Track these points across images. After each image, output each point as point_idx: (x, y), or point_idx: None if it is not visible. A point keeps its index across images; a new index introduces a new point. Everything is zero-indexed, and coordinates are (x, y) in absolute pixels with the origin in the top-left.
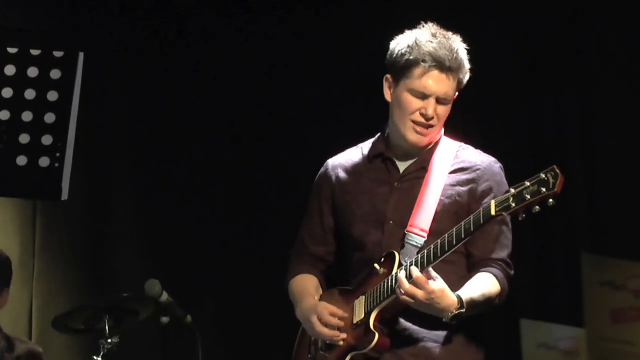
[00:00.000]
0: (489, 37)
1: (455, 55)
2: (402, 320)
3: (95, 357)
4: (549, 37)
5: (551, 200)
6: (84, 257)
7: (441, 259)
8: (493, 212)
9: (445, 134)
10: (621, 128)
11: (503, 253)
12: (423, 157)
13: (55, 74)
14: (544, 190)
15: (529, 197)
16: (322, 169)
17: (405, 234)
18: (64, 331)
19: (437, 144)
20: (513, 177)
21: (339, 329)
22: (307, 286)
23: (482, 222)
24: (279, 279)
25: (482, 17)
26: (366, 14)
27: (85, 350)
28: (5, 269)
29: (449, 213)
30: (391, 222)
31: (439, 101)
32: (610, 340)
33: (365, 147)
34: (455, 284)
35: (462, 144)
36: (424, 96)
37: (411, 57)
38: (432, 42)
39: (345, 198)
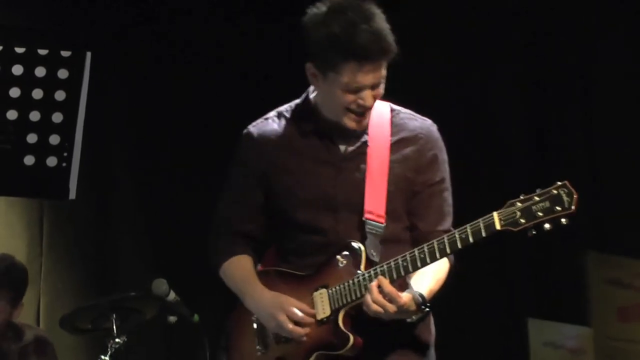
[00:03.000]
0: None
1: (384, 39)
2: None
3: (102, 356)
4: (553, 36)
5: (564, 220)
6: (91, 256)
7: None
8: (498, 227)
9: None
10: (625, 126)
11: (447, 222)
12: (360, 130)
13: (63, 74)
14: (558, 208)
15: (541, 214)
16: (245, 140)
17: (363, 222)
18: (71, 330)
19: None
20: (517, 175)
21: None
22: (248, 271)
23: (483, 235)
24: None
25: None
26: None
27: (92, 349)
28: (22, 281)
29: (400, 191)
30: (344, 207)
31: (375, 86)
32: (617, 339)
33: (287, 114)
34: None
35: (392, 106)
36: (358, 90)
37: (337, 53)
38: (355, 31)
39: (284, 178)
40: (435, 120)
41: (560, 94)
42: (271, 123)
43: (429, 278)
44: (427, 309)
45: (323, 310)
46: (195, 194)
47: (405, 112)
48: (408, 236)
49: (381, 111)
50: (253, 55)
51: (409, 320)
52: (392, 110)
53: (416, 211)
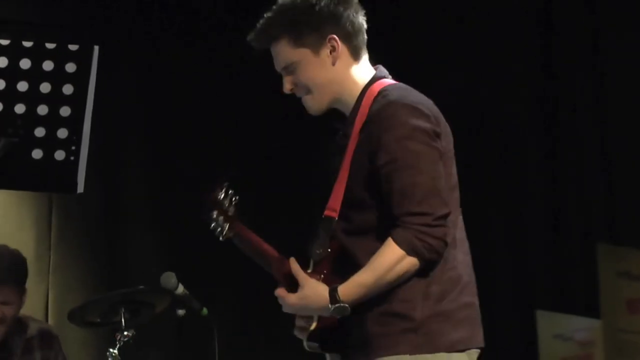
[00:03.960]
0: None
1: (261, 25)
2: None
3: (111, 350)
4: (566, 22)
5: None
6: (100, 249)
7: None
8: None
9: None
10: (638, 118)
11: (405, 206)
12: (349, 120)
13: (71, 67)
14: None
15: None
16: None
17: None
18: (80, 324)
19: (360, 100)
20: (527, 170)
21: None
22: None
23: None
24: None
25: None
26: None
27: (101, 343)
28: (25, 270)
29: (359, 180)
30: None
31: (287, 72)
32: (627, 331)
33: None
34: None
35: (385, 88)
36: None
37: None
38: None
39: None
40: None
41: (571, 89)
42: None
43: (358, 272)
44: (340, 304)
45: None
46: (205, 186)
47: (384, 92)
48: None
49: (370, 95)
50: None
51: (333, 315)
52: (379, 93)
53: (382, 198)
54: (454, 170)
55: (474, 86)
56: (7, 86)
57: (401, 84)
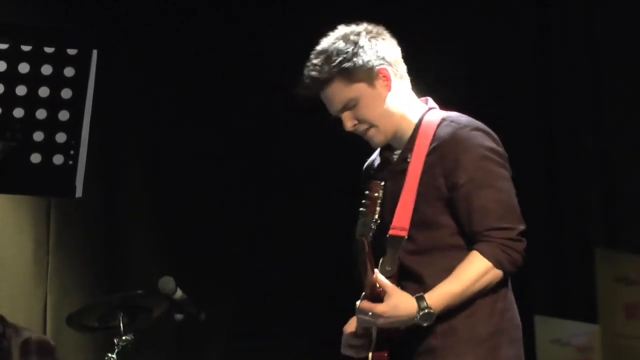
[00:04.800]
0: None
1: (314, 68)
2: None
3: (109, 355)
4: (564, 30)
5: None
6: (98, 254)
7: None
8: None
9: (444, 105)
10: (636, 122)
11: (487, 222)
12: (407, 146)
13: (69, 72)
14: None
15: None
16: None
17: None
18: (78, 328)
19: (418, 126)
20: (525, 175)
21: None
22: None
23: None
24: (293, 276)
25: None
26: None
27: (99, 348)
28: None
29: (429, 200)
30: (382, 225)
31: (346, 109)
32: (625, 336)
33: None
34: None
35: (445, 115)
36: (337, 117)
37: None
38: (305, 67)
39: None
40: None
41: (569, 92)
42: None
43: (444, 281)
44: (428, 310)
45: None
46: (204, 191)
47: (449, 119)
48: (462, 241)
49: (429, 122)
50: (264, 52)
51: (419, 324)
52: (441, 120)
53: (457, 216)
54: None
55: (474, 91)
56: (5, 90)
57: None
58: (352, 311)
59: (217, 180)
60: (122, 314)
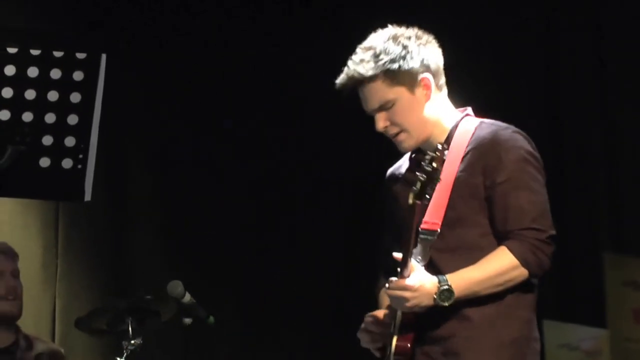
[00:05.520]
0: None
1: (360, 62)
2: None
3: (118, 358)
4: (571, 37)
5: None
6: (107, 258)
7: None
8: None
9: (479, 113)
10: None
11: (521, 221)
12: (441, 147)
13: (78, 76)
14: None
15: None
16: None
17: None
18: (87, 332)
19: (453, 131)
20: None
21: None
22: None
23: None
24: (302, 280)
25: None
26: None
27: (108, 351)
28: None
29: (464, 198)
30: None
31: (381, 110)
32: (633, 340)
33: None
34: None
35: (484, 121)
36: (372, 117)
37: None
38: (350, 59)
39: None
40: None
41: (576, 98)
42: None
43: (467, 268)
44: (446, 287)
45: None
46: (211, 195)
47: (488, 122)
48: (491, 242)
49: (467, 126)
50: (271, 53)
51: (437, 303)
52: (480, 123)
53: (492, 215)
54: None
55: (480, 97)
56: (15, 94)
57: None
58: (357, 312)
59: (225, 185)
60: (130, 318)
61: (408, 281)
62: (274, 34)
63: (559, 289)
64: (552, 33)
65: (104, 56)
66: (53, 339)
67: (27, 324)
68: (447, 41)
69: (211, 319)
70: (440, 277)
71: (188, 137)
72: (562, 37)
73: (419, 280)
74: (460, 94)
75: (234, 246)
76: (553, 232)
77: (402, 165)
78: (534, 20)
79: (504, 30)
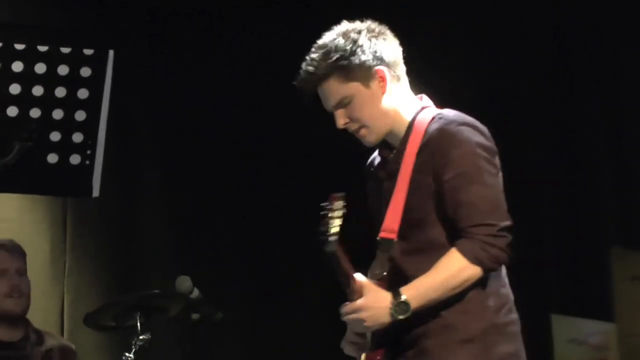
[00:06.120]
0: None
1: (311, 62)
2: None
3: (126, 354)
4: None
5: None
6: (115, 254)
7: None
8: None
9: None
10: None
11: (471, 218)
12: (400, 147)
13: (86, 72)
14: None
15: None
16: None
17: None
18: (95, 328)
19: (411, 125)
20: (542, 175)
21: None
22: None
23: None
24: (310, 277)
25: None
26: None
27: (116, 347)
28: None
29: (421, 199)
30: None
31: (340, 107)
32: None
33: None
34: None
35: (438, 112)
36: (331, 113)
37: None
38: (304, 60)
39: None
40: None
41: (586, 90)
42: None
43: (421, 276)
44: (401, 299)
45: None
46: (220, 191)
47: (438, 116)
48: (455, 238)
49: (422, 120)
50: (286, 55)
51: (394, 318)
52: (433, 117)
53: (444, 213)
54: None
55: (490, 95)
56: (22, 90)
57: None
58: None
59: (234, 181)
60: (138, 314)
61: (359, 302)
62: (278, 35)
63: (567, 283)
64: (560, 29)
65: (111, 52)
66: (62, 335)
67: (36, 320)
68: (453, 41)
69: (219, 314)
70: (394, 291)
71: (198, 133)
72: (571, 38)
73: (371, 299)
74: (461, 78)
75: (242, 242)
76: (507, 222)
77: (376, 157)
78: (542, 16)
79: (510, 25)
